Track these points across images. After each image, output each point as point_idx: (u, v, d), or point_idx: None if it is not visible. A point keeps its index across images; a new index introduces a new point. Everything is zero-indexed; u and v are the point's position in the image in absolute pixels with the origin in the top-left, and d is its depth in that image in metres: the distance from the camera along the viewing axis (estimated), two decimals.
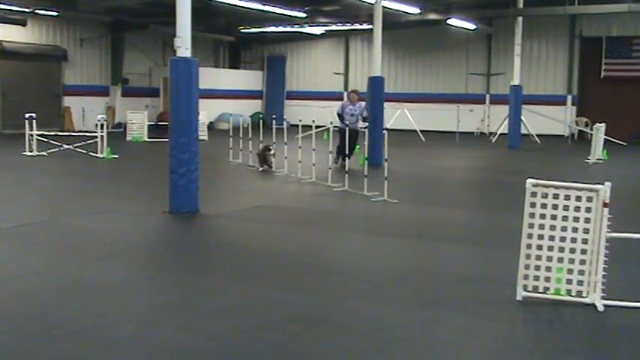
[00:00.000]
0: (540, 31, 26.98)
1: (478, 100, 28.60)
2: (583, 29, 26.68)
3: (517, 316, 5.77)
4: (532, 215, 5.96)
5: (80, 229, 8.96)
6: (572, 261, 5.96)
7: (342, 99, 30.35)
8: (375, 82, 17.14)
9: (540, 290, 6.04)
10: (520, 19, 23.14)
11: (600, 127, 18.77)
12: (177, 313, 5.69)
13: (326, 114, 22.59)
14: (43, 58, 25.40)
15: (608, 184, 5.82)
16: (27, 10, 23.07)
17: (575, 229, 5.93)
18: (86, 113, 26.24)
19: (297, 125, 15.01)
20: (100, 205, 10.69)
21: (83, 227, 9.04)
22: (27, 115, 17.33)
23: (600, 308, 5.79)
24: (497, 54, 28.13)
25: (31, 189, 12.57)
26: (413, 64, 29.95)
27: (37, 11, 23.49)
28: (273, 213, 10.49)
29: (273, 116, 17.45)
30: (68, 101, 26.22)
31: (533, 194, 5.94)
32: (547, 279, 6.02)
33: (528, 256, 6.01)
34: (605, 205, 5.80)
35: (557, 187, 5.94)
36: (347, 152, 14.37)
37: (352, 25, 25.86)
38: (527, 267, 6.02)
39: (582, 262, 5.94)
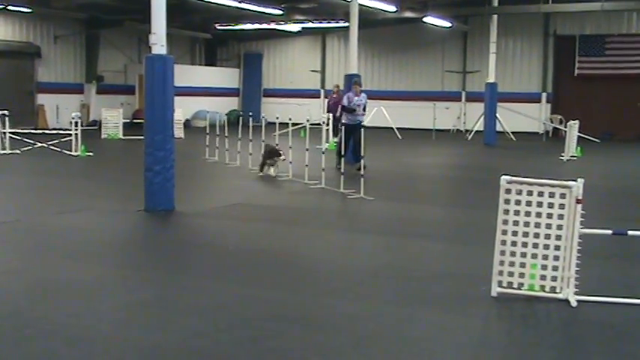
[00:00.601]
0: (515, 30, 27.20)
1: (454, 97, 28.77)
2: (557, 28, 26.95)
3: (492, 311, 5.81)
4: (506, 212, 6.00)
5: (54, 227, 8.87)
6: (545, 257, 6.02)
7: (318, 97, 30.60)
8: (352, 80, 17.12)
9: (515, 286, 6.09)
10: (495, 17, 23.33)
11: (574, 125, 18.97)
12: (152, 311, 5.65)
13: (303, 111, 22.55)
14: (16, 55, 25.10)
15: (580, 180, 5.88)
16: None
17: (548, 226, 5.98)
18: (60, 111, 25.98)
19: (275, 123, 14.98)
20: (74, 203, 10.58)
21: (57, 226, 8.95)
22: (0, 113, 17.11)
23: (573, 304, 5.85)
24: (473, 52, 28.31)
25: (4, 187, 12.41)
26: (389, 62, 30.03)
27: (10, 7, 23.19)
28: (249, 210, 10.47)
29: (250, 114, 17.38)
30: (42, 99, 25.95)
31: (508, 191, 5.99)
32: (521, 275, 6.07)
33: (503, 253, 6.05)
34: (578, 201, 5.86)
35: (531, 184, 5.99)
36: (355, 152, 14.12)
37: (329, 22, 25.88)
38: (501, 263, 6.06)
39: (556, 258, 6.00)
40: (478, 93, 25.53)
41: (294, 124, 14.36)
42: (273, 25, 27.21)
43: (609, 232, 6.28)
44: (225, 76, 32.49)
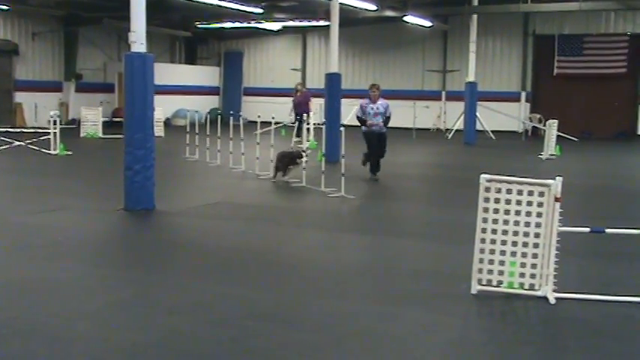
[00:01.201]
0: (495, 29, 27.35)
1: (434, 96, 28.88)
2: (536, 27, 27.15)
3: (472, 309, 5.85)
4: (486, 210, 6.04)
5: (32, 226, 8.78)
6: (524, 255, 6.06)
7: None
8: (332, 79, 17.17)
9: (494, 284, 6.13)
10: (475, 16, 23.46)
11: (553, 124, 19.14)
12: (131, 310, 5.63)
13: (284, 110, 22.53)
14: None
15: (559, 179, 5.93)
16: None
17: (527, 224, 6.03)
18: (39, 109, 25.69)
19: (256, 122, 14.94)
20: (52, 202, 10.48)
21: (35, 225, 8.86)
22: None
23: (552, 301, 5.90)
24: (453, 51, 28.43)
25: None
26: (370, 61, 30.09)
27: None
28: (230, 209, 10.44)
29: (231, 112, 17.33)
30: (20, 97, 25.65)
31: (487, 189, 6.03)
32: (501, 272, 6.12)
33: (482, 251, 6.09)
34: (556, 199, 5.91)
35: (510, 183, 6.04)
36: (373, 162, 13.45)
37: (309, 21, 25.86)
38: (481, 261, 6.10)
39: (535, 255, 6.05)
40: (458, 92, 25.66)
41: (276, 123, 14.34)
42: (253, 24, 27.15)
43: (587, 229, 6.34)
44: (206, 75, 32.36)
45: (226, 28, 29.09)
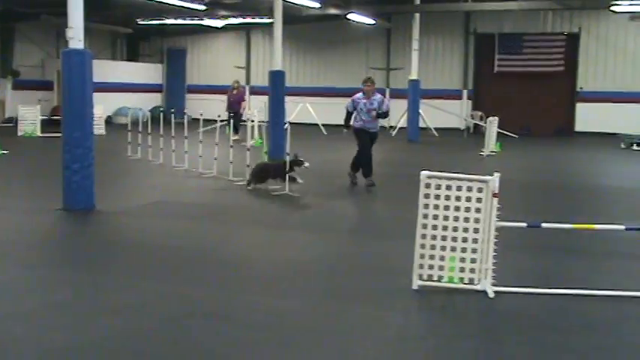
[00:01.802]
0: (437, 27, 27.69)
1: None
2: (477, 26, 27.59)
3: (413, 304, 5.92)
4: (426, 206, 6.12)
5: None
6: (464, 250, 6.17)
7: (243, 93, 30.32)
8: (276, 76, 17.13)
9: (435, 279, 6.22)
10: (417, 15, 23.71)
11: (493, 121, 19.50)
12: (69, 312, 5.51)
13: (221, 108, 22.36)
14: None
15: (497, 175, 6.05)
16: None
17: (466, 219, 6.13)
18: None
19: (198, 119, 14.79)
20: None
21: None
22: None
23: (491, 294, 6.02)
24: (396, 49, 28.68)
25: None
26: (314, 59, 30.12)
27: None
28: (172, 208, 10.32)
29: (172, 110, 17.10)
30: None
31: (427, 186, 6.10)
32: (441, 268, 6.21)
33: (423, 246, 6.17)
34: (494, 195, 6.02)
35: (449, 179, 6.13)
36: (365, 164, 12.31)
37: (253, 18, 25.73)
38: (422, 256, 6.18)
39: (474, 250, 6.15)
40: (402, 90, 25.89)
41: (221, 121, 14.23)
42: (196, 21, 26.86)
43: (524, 224, 6.49)
44: (148, 72, 31.88)
45: (169, 25, 28.69)
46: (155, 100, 31.39)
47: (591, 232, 7.76)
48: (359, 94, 12.56)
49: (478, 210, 6.11)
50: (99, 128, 20.78)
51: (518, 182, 13.02)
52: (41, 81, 27.73)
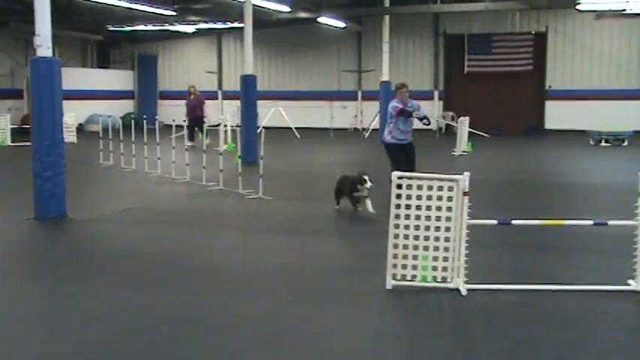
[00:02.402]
0: (407, 29, 27.88)
1: (350, 96, 29.19)
2: (446, 27, 27.83)
3: (387, 304, 5.97)
4: (398, 206, 6.18)
5: None
6: (436, 248, 6.23)
7: (216, 98, 30.28)
8: (248, 81, 17.12)
9: (408, 278, 6.28)
10: (387, 17, 23.87)
11: (464, 121, 19.68)
12: (43, 322, 5.48)
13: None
14: None
15: (467, 174, 6.13)
16: None
17: (438, 218, 6.20)
18: None
19: (171, 125, 14.73)
20: None
21: None
22: None
23: (464, 292, 6.09)
24: (368, 51, 28.81)
25: None
26: (286, 62, 30.14)
27: None
28: (145, 215, 10.28)
29: (144, 117, 17.02)
30: None
31: (399, 186, 6.17)
32: (414, 267, 6.26)
33: (396, 246, 6.22)
34: (464, 193, 6.10)
35: (420, 179, 6.20)
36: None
37: (224, 23, 25.69)
38: (395, 256, 6.23)
39: (446, 249, 6.23)
40: (373, 92, 26.02)
41: (185, 127, 14.16)
42: (167, 26, 26.76)
43: (495, 222, 6.57)
44: (119, 79, 31.66)
45: (139, 31, 28.55)
46: (127, 106, 31.17)
47: (561, 228, 7.87)
48: (395, 102, 11.15)
49: (449, 209, 6.18)
50: (71, 136, 20.62)
51: (490, 181, 13.16)
52: (11, 89, 27.40)
